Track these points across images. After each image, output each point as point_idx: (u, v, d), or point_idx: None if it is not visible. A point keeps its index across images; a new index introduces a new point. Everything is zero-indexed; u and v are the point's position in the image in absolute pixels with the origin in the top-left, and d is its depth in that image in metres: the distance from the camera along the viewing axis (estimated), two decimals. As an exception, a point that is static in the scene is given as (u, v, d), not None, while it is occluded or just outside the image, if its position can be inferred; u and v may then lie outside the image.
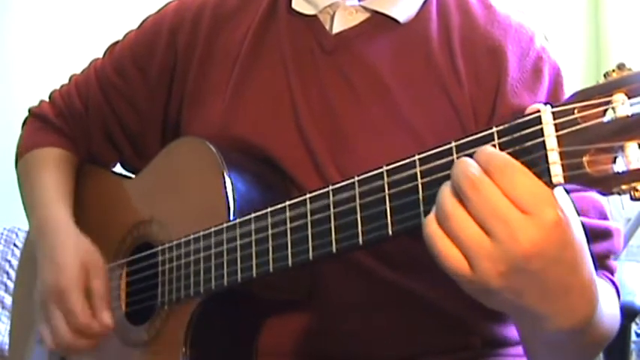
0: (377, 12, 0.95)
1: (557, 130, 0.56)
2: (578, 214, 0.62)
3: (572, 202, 0.60)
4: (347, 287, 0.89)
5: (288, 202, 0.77)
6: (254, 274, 0.79)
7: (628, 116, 0.53)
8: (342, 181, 0.72)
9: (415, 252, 0.70)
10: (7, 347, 1.41)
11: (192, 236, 0.88)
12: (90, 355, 1.03)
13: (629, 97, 0.54)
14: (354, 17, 0.96)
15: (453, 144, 0.62)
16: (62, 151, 1.14)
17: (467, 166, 0.57)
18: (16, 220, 2.21)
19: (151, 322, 0.94)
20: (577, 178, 0.55)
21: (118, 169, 1.18)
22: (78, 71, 1.19)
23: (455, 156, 0.62)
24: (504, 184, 0.56)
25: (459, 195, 0.57)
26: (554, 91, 0.91)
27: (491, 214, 0.56)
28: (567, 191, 0.59)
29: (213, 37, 1.04)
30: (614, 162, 0.54)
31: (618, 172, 0.54)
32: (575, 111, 0.55)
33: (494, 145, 0.59)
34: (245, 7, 1.04)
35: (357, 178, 0.70)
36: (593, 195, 0.86)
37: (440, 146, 0.63)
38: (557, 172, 0.56)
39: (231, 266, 0.82)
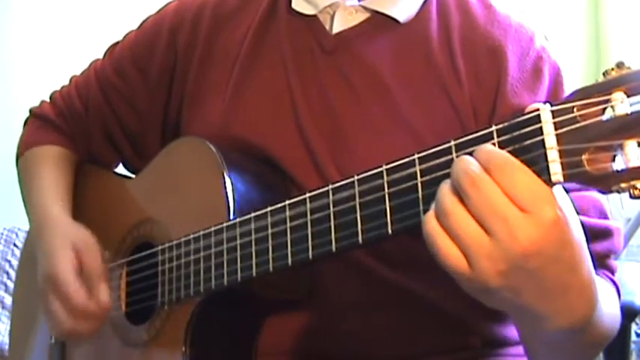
0: (377, 12, 0.95)
1: (556, 129, 0.56)
2: (578, 214, 0.62)
3: (572, 201, 0.60)
4: (347, 286, 0.89)
5: (287, 202, 0.77)
6: (254, 274, 0.79)
7: (627, 114, 0.53)
8: (342, 180, 0.72)
9: (415, 251, 0.70)
10: (7, 347, 1.41)
11: (192, 236, 0.88)
12: (90, 355, 1.03)
13: (628, 96, 0.54)
14: (354, 17, 0.96)
15: (453, 143, 0.62)
16: (61, 149, 1.15)
17: (467, 164, 0.57)
18: (16, 220, 2.22)
19: (151, 321, 0.94)
20: (576, 176, 0.55)
21: (119, 169, 1.18)
22: (78, 72, 1.20)
23: (454, 155, 0.62)
24: (504, 182, 0.56)
25: (459, 193, 0.57)
26: (554, 91, 0.91)
27: (491, 211, 0.56)
28: (567, 190, 0.60)
29: (213, 37, 1.04)
30: (614, 160, 0.54)
31: (617, 171, 0.54)
32: (575, 109, 0.55)
33: (493, 144, 0.59)
34: (245, 7, 1.05)
35: (356, 177, 0.70)
36: (593, 194, 0.86)
37: (439, 145, 0.63)
38: (556, 170, 0.56)
39: (231, 265, 0.82)
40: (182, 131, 1.04)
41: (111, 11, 2.66)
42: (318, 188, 0.74)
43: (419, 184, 0.64)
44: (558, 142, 0.56)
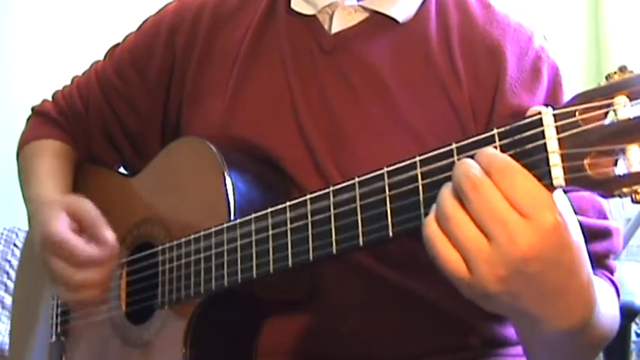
0: (376, 12, 0.95)
1: (558, 133, 0.56)
2: (577, 214, 0.62)
3: (571, 201, 0.60)
4: (347, 287, 0.89)
5: (288, 203, 0.77)
6: (254, 275, 0.79)
7: (629, 119, 0.53)
8: (343, 182, 0.72)
9: (415, 252, 0.70)
10: (7, 347, 1.41)
11: (192, 236, 0.88)
12: (90, 355, 1.03)
13: (630, 100, 0.53)
14: (353, 17, 0.96)
15: (454, 146, 0.62)
16: (62, 144, 1.15)
17: (468, 167, 0.57)
18: (16, 220, 2.22)
19: (151, 322, 0.94)
20: (578, 180, 0.55)
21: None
22: (78, 72, 1.21)
23: (456, 158, 0.62)
24: (504, 185, 0.56)
25: (460, 196, 0.57)
26: (553, 91, 0.91)
27: (491, 216, 0.56)
28: (565, 190, 0.59)
29: (212, 37, 1.04)
30: (616, 165, 0.54)
31: (619, 175, 0.54)
32: (577, 113, 0.55)
33: (495, 147, 0.59)
34: (244, 7, 1.05)
35: (357, 180, 0.70)
36: (593, 194, 0.86)
37: (440, 148, 0.63)
38: (558, 174, 0.56)
39: (231, 266, 0.82)
40: (182, 131, 1.05)
41: (111, 11, 2.66)
42: (319, 190, 0.74)
43: (420, 187, 0.64)
44: (560, 146, 0.56)
